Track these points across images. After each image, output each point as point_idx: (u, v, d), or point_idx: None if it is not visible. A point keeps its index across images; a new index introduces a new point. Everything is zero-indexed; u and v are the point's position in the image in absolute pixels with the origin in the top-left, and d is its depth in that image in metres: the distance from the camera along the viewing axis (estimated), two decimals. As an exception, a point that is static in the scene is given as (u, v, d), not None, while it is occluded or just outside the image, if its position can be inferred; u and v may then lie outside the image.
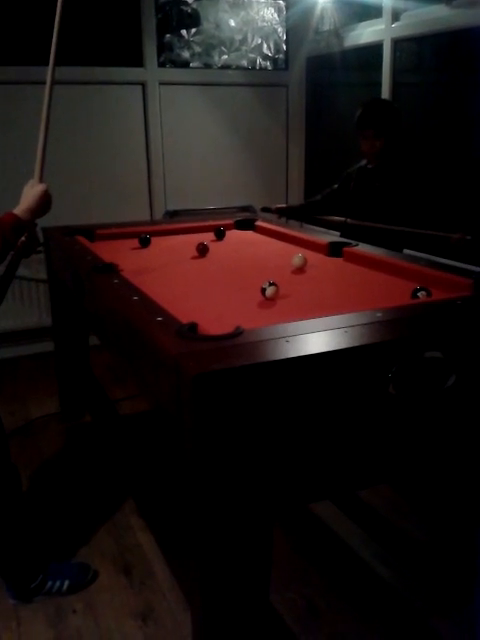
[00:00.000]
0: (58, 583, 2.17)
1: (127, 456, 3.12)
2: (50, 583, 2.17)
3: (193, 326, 1.62)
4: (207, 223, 3.47)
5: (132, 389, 3.64)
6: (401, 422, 1.63)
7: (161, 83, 4.42)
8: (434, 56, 3.59)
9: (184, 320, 1.66)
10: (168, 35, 4.46)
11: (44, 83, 2.02)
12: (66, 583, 2.18)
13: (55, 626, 2.06)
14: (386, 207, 3.07)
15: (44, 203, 1.95)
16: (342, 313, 1.74)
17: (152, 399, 1.92)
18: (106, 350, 2.47)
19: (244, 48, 4.72)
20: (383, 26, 3.80)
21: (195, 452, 1.41)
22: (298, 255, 2.51)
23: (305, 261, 2.49)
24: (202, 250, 2.81)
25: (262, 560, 1.60)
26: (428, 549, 2.34)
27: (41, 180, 2.02)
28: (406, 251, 3.06)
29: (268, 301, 2.04)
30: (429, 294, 1.98)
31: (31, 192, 1.95)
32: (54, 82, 2.07)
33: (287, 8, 4.72)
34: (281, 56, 4.85)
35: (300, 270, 2.48)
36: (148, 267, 2.54)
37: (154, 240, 3.05)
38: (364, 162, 3.27)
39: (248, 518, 1.51)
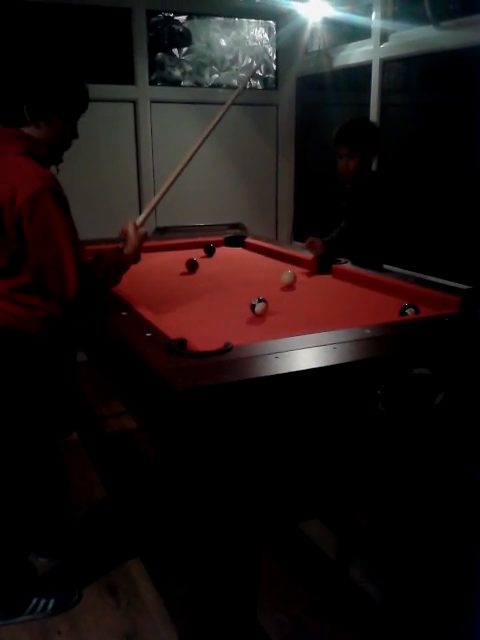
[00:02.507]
0: (43, 601, 2.14)
1: (113, 474, 3.09)
2: (35, 601, 2.13)
3: (182, 342, 1.61)
4: (197, 239, 3.47)
5: (120, 406, 3.61)
6: (390, 439, 1.63)
7: (152, 101, 4.44)
8: (422, 77, 3.63)
9: (173, 336, 1.66)
10: (159, 54, 4.50)
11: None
12: (51, 602, 2.15)
13: (39, 648, 2.02)
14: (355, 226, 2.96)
15: (142, 245, 2.08)
16: (331, 329, 1.74)
17: (140, 416, 1.91)
18: (94, 366, 2.46)
19: (235, 67, 4.76)
20: (372, 47, 3.85)
21: (183, 469, 1.40)
22: (287, 272, 2.51)
23: (294, 278, 2.50)
24: (191, 266, 2.81)
25: (250, 579, 1.58)
26: (416, 568, 2.32)
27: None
28: (391, 268, 3.06)
29: (257, 317, 2.04)
30: (417, 311, 1.98)
31: (138, 236, 2.05)
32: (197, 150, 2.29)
33: (277, 28, 4.77)
34: (271, 76, 4.89)
35: (289, 286, 2.48)
36: (137, 282, 2.53)
37: (143, 256, 3.00)
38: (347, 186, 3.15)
39: (236, 536, 1.49)
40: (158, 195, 2.18)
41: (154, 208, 2.19)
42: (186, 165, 2.23)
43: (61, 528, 2.39)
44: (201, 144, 2.26)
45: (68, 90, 1.88)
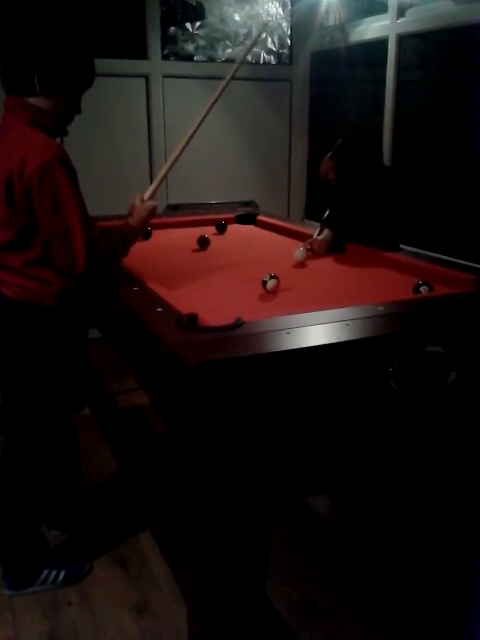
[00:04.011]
0: (54, 573, 2.17)
1: (124, 449, 3.11)
2: (46, 572, 2.16)
3: (193, 317, 1.61)
4: (208, 217, 3.45)
5: (131, 383, 3.63)
6: (402, 417, 1.62)
7: (164, 76, 4.40)
8: (440, 53, 3.57)
9: (184, 311, 1.65)
10: (172, 28, 4.44)
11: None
12: (62, 574, 2.17)
13: (50, 618, 2.05)
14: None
15: (150, 218, 2.07)
16: (343, 306, 1.73)
17: (152, 391, 1.92)
18: (106, 342, 2.46)
19: (248, 42, 4.69)
20: (388, 21, 3.78)
21: (194, 443, 1.40)
22: (300, 249, 2.50)
23: (307, 255, 2.48)
24: (203, 243, 2.79)
25: (259, 553, 1.59)
26: (424, 546, 2.33)
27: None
28: (407, 248, 3.01)
29: (269, 294, 2.03)
30: (431, 289, 1.97)
31: (145, 207, 2.04)
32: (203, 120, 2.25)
33: (292, 3, 4.69)
34: (285, 51, 4.83)
35: (301, 264, 2.47)
36: (149, 259, 2.53)
37: (155, 233, 3.03)
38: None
39: (246, 511, 1.50)
40: (165, 168, 2.17)
41: (162, 181, 2.18)
42: (191, 137, 2.23)
43: (73, 501, 2.41)
44: (205, 116, 2.24)
45: (79, 64, 1.86)
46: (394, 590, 2.13)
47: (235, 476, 1.43)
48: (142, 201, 2.06)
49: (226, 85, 2.29)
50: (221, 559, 1.56)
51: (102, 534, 2.44)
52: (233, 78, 2.32)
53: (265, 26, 2.57)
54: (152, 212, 2.07)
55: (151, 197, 2.10)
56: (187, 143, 2.20)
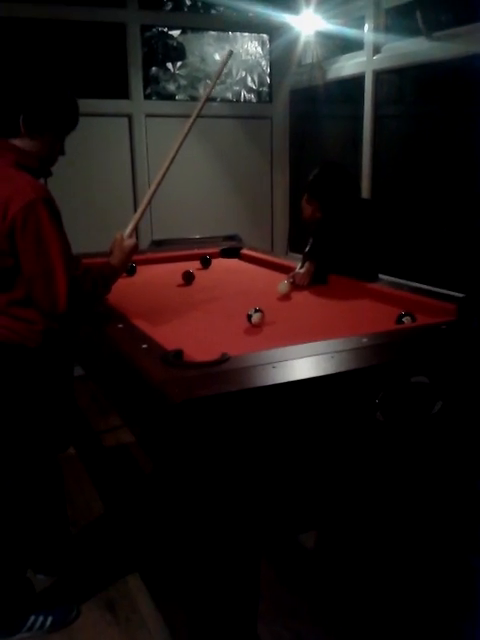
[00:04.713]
0: (41, 618, 2.11)
1: (111, 489, 3.06)
2: (33, 618, 2.10)
3: (178, 353, 1.60)
4: (193, 252, 3.47)
5: (116, 420, 3.59)
6: (389, 449, 1.61)
7: (147, 115, 4.46)
8: (415, 88, 3.65)
9: (169, 347, 1.65)
10: (154, 68, 4.53)
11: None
12: (50, 619, 2.12)
13: (37, 665, 1.99)
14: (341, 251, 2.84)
15: (132, 256, 2.10)
16: (328, 339, 1.73)
17: (137, 429, 1.90)
18: (90, 379, 2.45)
19: (229, 81, 4.79)
20: (365, 58, 3.87)
21: (181, 481, 1.39)
22: (283, 282, 2.51)
23: (290, 287, 2.49)
24: (188, 278, 2.80)
25: (250, 592, 1.56)
26: (416, 580, 2.30)
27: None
28: (387, 277, 3.04)
29: (254, 327, 2.03)
30: (414, 319, 1.98)
31: (126, 246, 2.06)
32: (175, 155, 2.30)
33: (271, 41, 4.81)
34: (265, 89, 4.93)
35: (286, 296, 2.48)
36: (133, 295, 2.53)
37: (139, 269, 3.05)
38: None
39: (236, 549, 1.47)
40: (142, 206, 2.22)
41: (140, 219, 2.22)
42: (165, 173, 2.28)
43: (59, 544, 2.36)
44: (177, 152, 2.30)
45: (64, 105, 1.89)
46: (388, 628, 2.10)
47: (224, 514, 1.42)
48: (122, 238, 2.08)
49: (199, 111, 2.40)
50: (211, 599, 1.53)
51: (89, 577, 2.38)
52: (208, 99, 2.45)
53: (231, 53, 2.65)
54: (133, 250, 2.09)
55: (131, 235, 2.13)
56: (162, 179, 2.25)
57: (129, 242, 2.08)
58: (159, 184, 2.25)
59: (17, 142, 1.82)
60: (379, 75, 3.81)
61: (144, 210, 2.22)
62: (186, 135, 2.33)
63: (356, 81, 3.96)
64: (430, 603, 2.18)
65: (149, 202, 2.23)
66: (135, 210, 4.63)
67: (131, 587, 2.33)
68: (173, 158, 2.30)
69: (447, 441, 1.73)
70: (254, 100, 4.94)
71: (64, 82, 1.91)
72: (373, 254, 2.79)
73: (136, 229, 2.21)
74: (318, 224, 2.86)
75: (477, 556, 2.26)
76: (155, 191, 2.24)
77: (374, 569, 2.39)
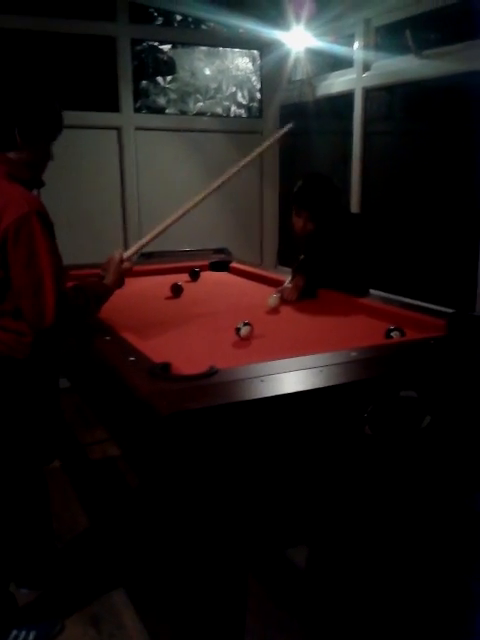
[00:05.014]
0: (24, 633, 2.08)
1: (96, 503, 3.03)
2: (15, 632, 2.07)
3: (166, 366, 1.59)
4: (182, 264, 3.47)
5: (102, 433, 3.56)
6: (378, 463, 1.61)
7: (137, 128, 4.47)
8: (404, 105, 3.69)
9: (157, 360, 1.64)
10: (144, 82, 4.54)
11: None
12: (32, 634, 2.09)
13: (18, 683, 1.96)
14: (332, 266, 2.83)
15: (124, 278, 2.11)
16: (317, 353, 1.73)
17: (123, 442, 1.88)
18: (76, 392, 2.43)
19: (219, 96, 4.82)
20: (354, 76, 3.91)
21: (167, 495, 1.37)
22: (273, 296, 2.51)
23: (280, 302, 2.49)
24: (176, 290, 2.80)
25: (237, 607, 1.54)
26: (406, 594, 2.29)
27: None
28: (377, 292, 3.05)
29: (242, 341, 2.03)
30: (403, 334, 1.98)
31: (122, 268, 2.06)
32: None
33: (261, 57, 4.85)
34: (255, 104, 4.96)
35: (275, 310, 2.48)
36: (121, 307, 2.52)
37: (128, 281, 3.00)
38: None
39: (223, 563, 1.46)
40: (152, 234, 2.19)
41: (144, 246, 2.21)
42: (187, 212, 2.28)
43: (43, 558, 2.33)
44: (206, 196, 2.36)
45: (55, 115, 1.89)
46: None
47: (210, 528, 1.40)
48: (121, 259, 2.07)
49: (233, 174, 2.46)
50: (198, 614, 1.51)
51: (74, 592, 2.35)
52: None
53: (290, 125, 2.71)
54: (127, 273, 2.10)
55: (129, 258, 2.12)
56: (180, 217, 2.24)
57: (127, 265, 2.08)
58: (177, 220, 2.24)
59: (11, 154, 1.82)
60: (369, 92, 3.84)
61: (151, 240, 2.20)
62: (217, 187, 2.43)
63: (346, 98, 4.00)
64: (422, 620, 2.17)
65: (160, 234, 2.20)
66: (124, 222, 4.65)
67: (116, 602, 2.30)
68: (197, 203, 2.33)
69: (436, 455, 1.73)
70: (244, 115, 4.96)
71: (53, 90, 1.92)
72: (364, 269, 2.79)
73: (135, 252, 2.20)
74: (309, 237, 2.86)
75: (476, 579, 2.24)
76: (171, 225, 2.21)
77: (364, 583, 2.38)
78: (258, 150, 2.47)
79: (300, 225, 2.82)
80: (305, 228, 2.81)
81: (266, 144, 2.60)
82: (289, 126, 2.70)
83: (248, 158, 2.40)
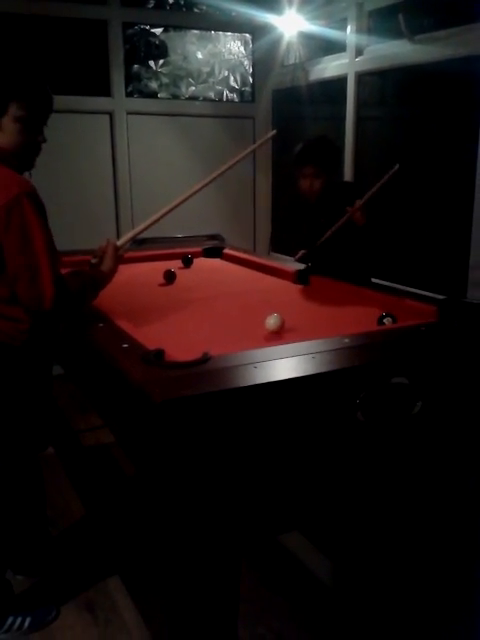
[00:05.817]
0: (20, 619, 2.09)
1: (91, 489, 3.04)
2: (11, 619, 2.08)
3: (159, 353, 1.59)
4: (175, 250, 3.46)
5: (96, 420, 3.57)
6: (370, 449, 1.62)
7: (129, 113, 4.44)
8: (397, 90, 3.67)
9: (150, 347, 1.64)
10: (136, 66, 4.50)
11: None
12: (28, 620, 2.10)
13: (14, 668, 1.97)
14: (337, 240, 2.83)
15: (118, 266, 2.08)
16: (309, 339, 1.74)
17: (117, 429, 1.89)
18: (70, 379, 2.43)
19: (211, 80, 4.79)
20: (347, 60, 3.89)
21: (161, 482, 1.38)
22: (274, 315, 2.02)
23: (282, 323, 2.00)
24: (169, 277, 2.79)
25: (230, 593, 1.56)
26: (399, 581, 2.31)
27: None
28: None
29: (240, 329, 2.01)
30: (395, 320, 1.99)
31: (116, 256, 2.04)
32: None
33: (253, 41, 4.80)
34: (248, 88, 4.92)
35: (268, 297, 2.48)
36: (114, 294, 2.51)
37: (121, 267, 2.99)
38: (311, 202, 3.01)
39: (217, 550, 1.47)
40: (146, 223, 2.18)
41: (137, 235, 2.19)
42: (182, 202, 2.28)
43: (38, 544, 2.34)
44: (203, 187, 2.39)
45: (47, 99, 1.86)
46: (371, 628, 2.11)
47: (204, 514, 1.41)
48: (115, 248, 2.05)
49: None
50: (191, 601, 1.52)
51: (69, 579, 2.36)
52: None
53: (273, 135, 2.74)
54: (119, 261, 2.09)
55: (122, 247, 2.11)
56: (175, 207, 2.24)
57: (120, 254, 2.08)
58: (171, 210, 2.23)
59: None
60: (361, 77, 3.83)
61: (144, 229, 2.18)
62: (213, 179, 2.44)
63: (338, 82, 3.98)
64: (414, 606, 2.20)
65: (153, 223, 2.18)
66: (116, 206, 4.62)
67: (111, 588, 2.32)
68: (194, 193, 2.35)
69: (427, 441, 1.74)
70: (236, 100, 4.93)
71: (45, 76, 1.89)
72: (368, 259, 2.81)
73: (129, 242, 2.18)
74: (319, 201, 2.87)
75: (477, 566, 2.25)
76: (165, 214, 2.21)
77: (357, 568, 2.40)
78: (241, 155, 2.53)
79: (307, 185, 2.85)
80: (312, 187, 2.83)
81: (250, 149, 2.66)
82: (272, 133, 2.74)
83: (231, 162, 2.52)
